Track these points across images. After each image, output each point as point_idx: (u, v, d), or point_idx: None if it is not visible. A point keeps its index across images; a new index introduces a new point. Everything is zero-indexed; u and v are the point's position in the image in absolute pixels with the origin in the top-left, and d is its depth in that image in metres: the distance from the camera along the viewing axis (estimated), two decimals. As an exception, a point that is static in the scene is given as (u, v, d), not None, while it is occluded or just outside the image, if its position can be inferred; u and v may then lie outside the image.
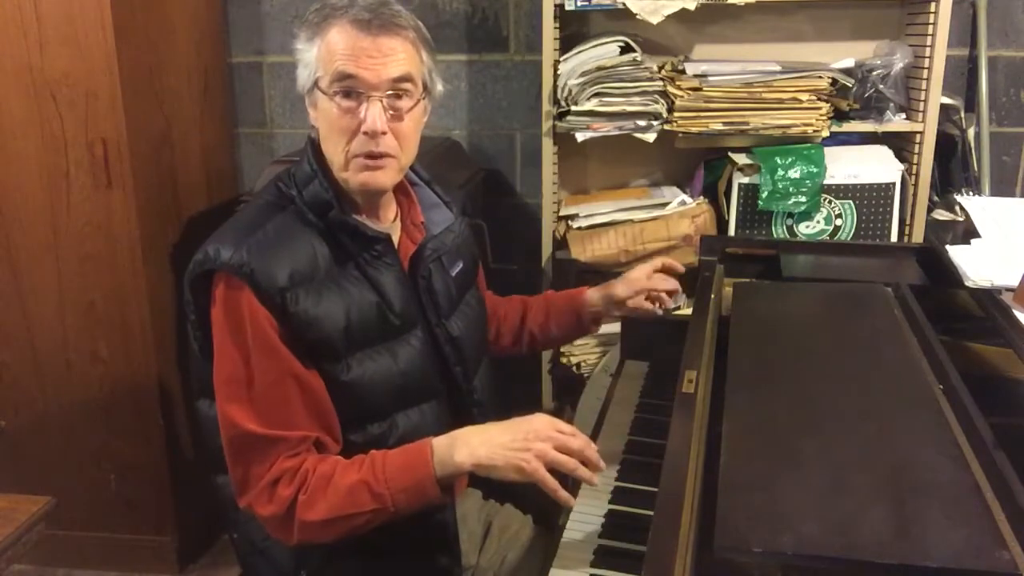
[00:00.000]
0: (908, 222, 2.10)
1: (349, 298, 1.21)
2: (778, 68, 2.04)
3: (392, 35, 1.18)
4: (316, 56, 1.19)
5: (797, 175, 2.00)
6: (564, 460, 1.09)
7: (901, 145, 2.12)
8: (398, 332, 1.26)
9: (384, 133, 1.18)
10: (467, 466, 1.12)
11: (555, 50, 2.09)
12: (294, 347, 1.17)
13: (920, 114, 2.04)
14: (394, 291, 1.25)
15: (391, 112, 1.19)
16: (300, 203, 1.24)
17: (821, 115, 2.03)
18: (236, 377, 1.17)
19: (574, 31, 2.21)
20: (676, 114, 2.04)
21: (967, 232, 1.83)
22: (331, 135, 1.20)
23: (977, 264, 1.58)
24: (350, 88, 1.17)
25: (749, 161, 2.05)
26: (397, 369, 1.25)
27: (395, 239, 1.30)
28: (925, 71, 2.01)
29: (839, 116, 2.09)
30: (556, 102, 2.09)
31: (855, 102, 2.07)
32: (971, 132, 2.26)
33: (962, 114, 2.26)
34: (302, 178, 1.25)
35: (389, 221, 1.32)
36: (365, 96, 1.17)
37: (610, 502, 1.25)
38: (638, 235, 2.10)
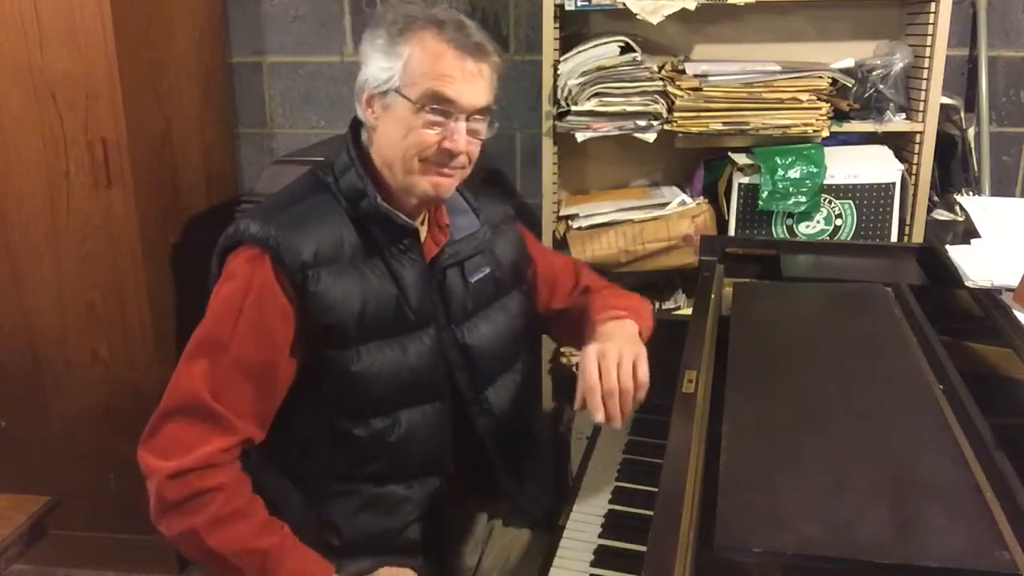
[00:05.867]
0: (908, 222, 2.10)
1: (368, 286, 1.23)
2: (778, 68, 2.04)
3: (481, 60, 1.22)
4: (404, 63, 1.20)
5: (797, 175, 2.00)
6: None
7: (901, 145, 2.12)
8: (412, 328, 1.27)
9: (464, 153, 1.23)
10: None
11: (555, 50, 2.08)
12: (301, 329, 1.18)
13: (920, 114, 2.04)
14: (414, 287, 1.27)
15: (470, 135, 1.23)
16: (335, 189, 1.26)
17: (821, 115, 2.03)
18: (213, 340, 1.17)
19: (574, 31, 2.21)
20: (676, 114, 2.04)
21: (967, 232, 1.83)
22: (406, 141, 1.21)
23: (977, 264, 1.58)
24: (443, 108, 1.20)
25: (749, 161, 2.05)
26: (406, 363, 1.25)
27: (421, 237, 1.31)
28: (925, 71, 2.01)
29: (839, 116, 2.08)
30: (556, 102, 2.08)
31: (855, 102, 2.06)
32: (971, 132, 2.25)
33: (962, 114, 2.26)
34: (340, 167, 1.28)
35: (418, 221, 1.32)
36: (453, 116, 1.20)
37: (610, 502, 1.25)
38: (638, 235, 2.10)
